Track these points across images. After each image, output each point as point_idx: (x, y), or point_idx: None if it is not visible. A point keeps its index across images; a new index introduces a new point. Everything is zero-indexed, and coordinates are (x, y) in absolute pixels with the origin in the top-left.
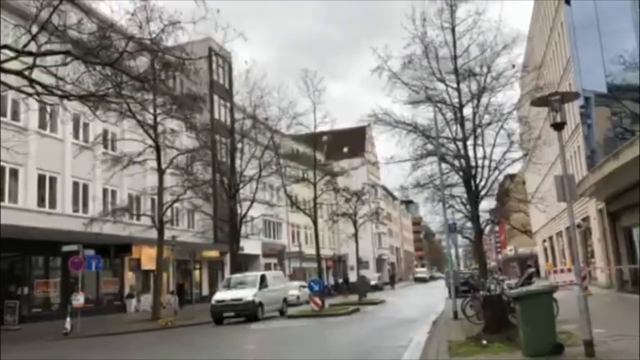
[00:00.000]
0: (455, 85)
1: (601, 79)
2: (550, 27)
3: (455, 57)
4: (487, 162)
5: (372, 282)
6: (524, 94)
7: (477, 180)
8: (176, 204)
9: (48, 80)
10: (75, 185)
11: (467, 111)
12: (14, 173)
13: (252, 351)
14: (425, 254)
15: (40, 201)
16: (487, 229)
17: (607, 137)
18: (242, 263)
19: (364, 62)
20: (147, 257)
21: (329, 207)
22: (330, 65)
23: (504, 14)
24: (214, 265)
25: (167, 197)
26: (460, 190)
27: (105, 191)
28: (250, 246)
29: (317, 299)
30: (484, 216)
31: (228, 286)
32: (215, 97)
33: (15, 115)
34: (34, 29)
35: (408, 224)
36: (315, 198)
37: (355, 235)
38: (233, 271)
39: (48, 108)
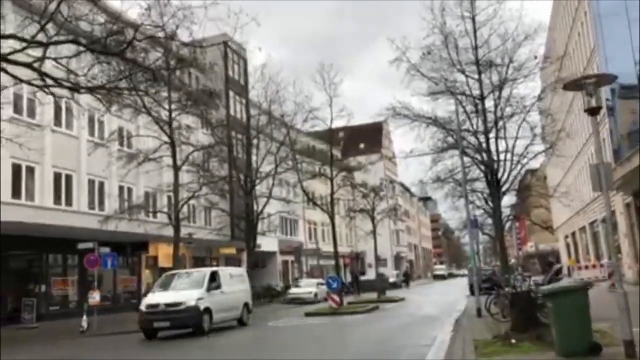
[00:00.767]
0: (476, 77)
1: (629, 69)
2: (572, 16)
3: (476, 47)
4: (509, 156)
5: (391, 280)
6: (546, 85)
7: (499, 174)
8: (192, 201)
9: (60, 75)
10: (91, 182)
11: (489, 103)
12: (31, 171)
13: (271, 350)
14: (443, 251)
15: (57, 199)
16: (507, 225)
17: (632, 130)
18: (259, 260)
19: (374, 58)
20: (164, 255)
21: (346, 203)
22: (341, 61)
23: (525, 3)
24: (231, 262)
25: (184, 194)
26: (481, 186)
27: (121, 189)
28: (267, 243)
29: (335, 297)
30: (504, 212)
31: (164, 286)
32: (231, 94)
33: (31, 112)
34: (44, 22)
35: (426, 221)
36: (332, 193)
37: (374, 232)
38: (251, 268)
39: (63, 104)
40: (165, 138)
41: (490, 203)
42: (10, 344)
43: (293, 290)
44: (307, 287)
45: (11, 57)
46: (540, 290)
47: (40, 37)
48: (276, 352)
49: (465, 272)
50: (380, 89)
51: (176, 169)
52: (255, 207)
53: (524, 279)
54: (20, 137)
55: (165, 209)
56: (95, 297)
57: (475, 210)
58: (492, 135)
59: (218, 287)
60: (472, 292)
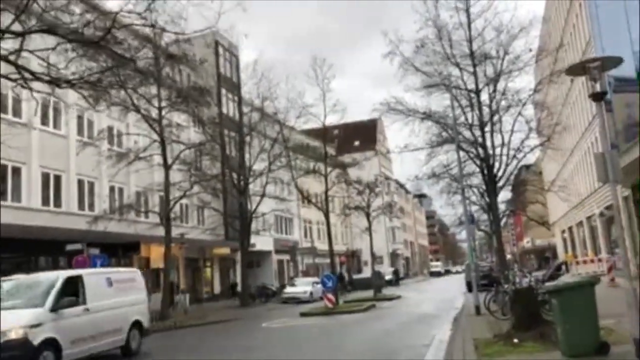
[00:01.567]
0: (471, 70)
1: (626, 61)
2: (567, 8)
3: (470, 40)
4: (505, 150)
5: (387, 277)
6: (542, 78)
7: (495, 169)
8: (185, 201)
9: (41, 70)
10: (80, 183)
11: (484, 97)
12: (17, 171)
13: (263, 352)
14: (439, 248)
15: (45, 200)
16: (503, 221)
17: (627, 124)
18: (254, 260)
19: (365, 57)
20: (157, 256)
21: (341, 200)
22: (331, 61)
23: None
24: (225, 262)
25: (175, 194)
26: (476, 181)
27: (111, 189)
28: (262, 242)
29: (330, 296)
30: (500, 207)
31: None
32: (223, 91)
33: (16, 112)
34: (18, 13)
35: (422, 218)
36: (326, 190)
37: (369, 229)
38: (245, 269)
39: (51, 103)
40: (156, 136)
41: (486, 198)
42: None
43: (288, 289)
44: (303, 286)
45: None
46: (544, 286)
47: (16, 28)
48: (270, 354)
49: (462, 268)
50: (371, 88)
51: (167, 167)
52: (249, 206)
53: (525, 275)
54: (6, 136)
55: (157, 209)
56: None
57: (470, 207)
58: (487, 129)
59: (77, 302)
60: (469, 289)
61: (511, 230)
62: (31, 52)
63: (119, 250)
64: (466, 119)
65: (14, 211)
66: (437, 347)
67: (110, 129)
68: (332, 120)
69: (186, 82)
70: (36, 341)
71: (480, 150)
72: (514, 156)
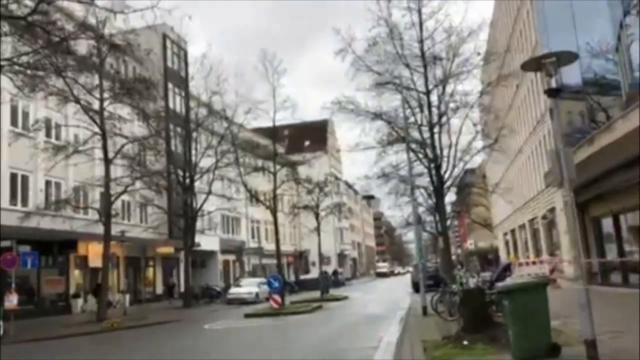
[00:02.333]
0: (421, 71)
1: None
2: (515, 15)
3: (422, 40)
4: (452, 152)
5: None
6: (490, 81)
7: (443, 170)
8: (127, 197)
9: None
10: (13, 176)
11: (433, 98)
12: None
13: (203, 355)
14: (386, 249)
15: None
16: (448, 223)
17: (568, 132)
18: (198, 259)
19: (310, 59)
20: (95, 254)
21: (290, 199)
22: (278, 62)
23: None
24: (168, 262)
25: (117, 190)
26: (424, 183)
27: (48, 183)
28: (208, 242)
29: (277, 297)
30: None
31: None
32: (170, 85)
33: None
34: None
35: (369, 219)
36: (274, 188)
37: (318, 229)
38: (188, 268)
39: None
40: (97, 129)
41: (432, 201)
42: None
43: (233, 290)
44: (248, 287)
45: None
46: (496, 286)
47: None
48: (210, 357)
49: (408, 269)
50: (318, 90)
51: (107, 161)
52: (194, 204)
53: (472, 276)
54: None
55: (97, 205)
56: (12, 300)
57: (417, 208)
58: (436, 130)
59: None
60: (416, 290)
61: (455, 232)
62: None
63: (54, 248)
64: (415, 120)
65: None
66: (385, 349)
67: (47, 120)
68: (282, 116)
69: (131, 74)
70: None
71: (429, 151)
72: (461, 158)
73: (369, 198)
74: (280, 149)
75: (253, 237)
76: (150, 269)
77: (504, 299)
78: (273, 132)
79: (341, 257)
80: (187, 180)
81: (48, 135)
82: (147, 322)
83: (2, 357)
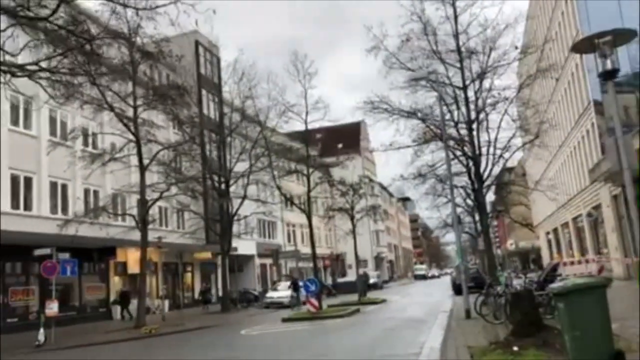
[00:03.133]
0: (457, 65)
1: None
2: (552, 6)
3: (457, 34)
4: (491, 150)
5: (371, 281)
6: (529, 75)
7: (482, 168)
8: (163, 204)
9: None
10: (53, 185)
11: (470, 94)
12: None
13: None
14: (423, 251)
15: (14, 203)
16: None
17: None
18: (235, 264)
19: (340, 63)
20: (134, 260)
21: (324, 202)
22: (309, 63)
23: None
24: (206, 267)
25: (154, 196)
26: (462, 181)
27: (86, 191)
28: (245, 246)
29: (313, 300)
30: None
31: None
32: (203, 92)
33: None
34: None
35: (406, 221)
36: (308, 190)
37: (353, 231)
38: (225, 273)
39: (21, 102)
40: (131, 136)
41: (470, 201)
42: None
43: (270, 294)
44: (285, 290)
45: None
46: (549, 288)
47: None
48: None
49: (446, 271)
50: (348, 95)
51: (142, 168)
52: (230, 209)
53: (518, 277)
54: None
55: (135, 211)
56: (52, 307)
57: (456, 208)
58: (474, 126)
59: None
60: (456, 292)
61: (495, 232)
62: None
63: (94, 255)
64: (452, 117)
65: None
66: (428, 355)
67: (84, 129)
68: (314, 118)
69: (165, 81)
70: None
71: (468, 148)
72: (501, 155)
73: (405, 200)
74: (314, 152)
75: (289, 240)
76: (189, 275)
77: (560, 302)
78: (305, 134)
79: (378, 259)
80: (223, 185)
81: (85, 143)
82: (184, 328)
83: None
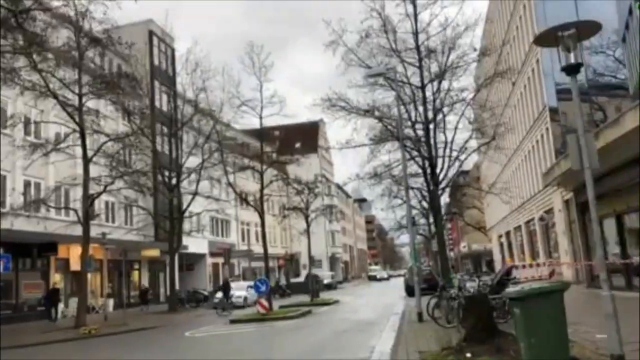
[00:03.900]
0: (416, 64)
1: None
2: (510, 10)
3: (416, 32)
4: (447, 151)
5: (325, 281)
6: (485, 78)
7: (438, 169)
8: (111, 198)
9: None
10: None
11: (427, 94)
12: None
13: None
14: (378, 252)
15: None
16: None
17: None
18: (184, 263)
19: (296, 62)
20: (77, 257)
21: (279, 201)
22: (265, 55)
23: None
24: (154, 265)
25: (99, 190)
26: (417, 183)
27: (27, 183)
28: (196, 245)
29: (263, 301)
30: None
31: None
32: (157, 84)
33: None
34: None
35: (362, 223)
36: (262, 188)
37: (307, 231)
38: (173, 272)
39: None
40: (75, 126)
41: (426, 202)
42: None
43: (221, 294)
44: (237, 290)
45: None
46: (505, 293)
47: None
48: None
49: (400, 272)
50: (304, 96)
51: (86, 160)
52: (181, 206)
53: (472, 279)
54: None
55: (77, 206)
56: None
57: (410, 210)
58: (431, 127)
59: None
60: (408, 293)
61: (449, 235)
62: None
63: (33, 251)
64: (409, 117)
65: None
66: None
67: (26, 117)
68: (269, 112)
69: (115, 71)
70: None
71: (424, 149)
72: (457, 157)
73: (361, 201)
74: (269, 149)
75: (243, 239)
76: (136, 273)
77: (516, 307)
78: (260, 129)
79: (333, 260)
80: (174, 180)
81: (27, 132)
82: (126, 329)
83: None
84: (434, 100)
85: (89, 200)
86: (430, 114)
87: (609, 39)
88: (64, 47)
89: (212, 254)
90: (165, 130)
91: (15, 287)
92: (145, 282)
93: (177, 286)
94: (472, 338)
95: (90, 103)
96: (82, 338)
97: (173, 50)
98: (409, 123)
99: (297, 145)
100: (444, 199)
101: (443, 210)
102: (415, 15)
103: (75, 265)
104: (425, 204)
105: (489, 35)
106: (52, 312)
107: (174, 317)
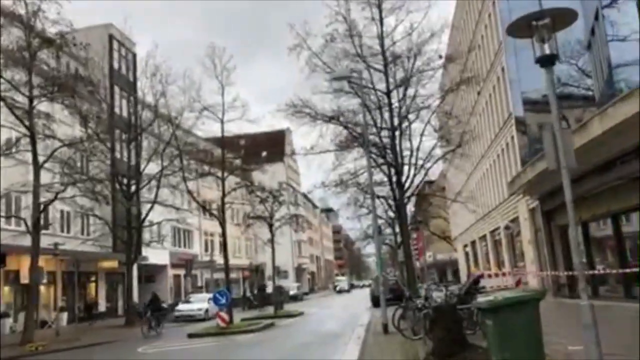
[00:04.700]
0: (382, 70)
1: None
2: (476, 19)
3: (382, 37)
4: (413, 160)
5: (291, 292)
6: (451, 84)
7: (403, 178)
8: (66, 207)
9: None
10: None
11: (393, 100)
12: None
13: None
14: (345, 262)
15: None
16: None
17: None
18: (143, 274)
19: (257, 71)
20: (27, 269)
21: (243, 208)
22: (228, 58)
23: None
24: (112, 277)
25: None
26: (383, 192)
27: None
28: (157, 255)
29: (223, 314)
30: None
31: None
32: (117, 89)
33: None
34: None
35: (328, 233)
36: (223, 195)
37: (272, 241)
38: (131, 283)
39: None
40: (25, 130)
41: (392, 211)
42: None
43: (181, 306)
44: (198, 303)
45: None
46: (476, 303)
47: None
48: None
49: (366, 282)
50: (266, 104)
51: (37, 166)
52: (140, 215)
53: (439, 289)
54: None
55: (27, 215)
56: None
57: (377, 218)
58: (397, 134)
59: None
60: (374, 304)
61: (414, 245)
62: None
63: None
64: (375, 123)
65: None
66: None
67: None
68: (231, 117)
69: (72, 74)
70: None
71: (390, 156)
72: (422, 165)
73: (328, 211)
74: (230, 155)
75: (207, 250)
76: (93, 285)
77: (488, 318)
78: (222, 133)
79: (299, 270)
80: (133, 188)
81: None
82: (77, 345)
83: None
84: (400, 107)
85: (39, 208)
86: (396, 121)
87: (572, 49)
88: (12, 46)
89: (174, 265)
90: (125, 136)
91: None
92: (102, 295)
93: (136, 299)
94: (440, 351)
95: (42, 106)
96: (28, 355)
97: (134, 55)
98: (375, 130)
99: (264, 154)
100: (410, 208)
101: (409, 220)
102: (381, 19)
103: (25, 278)
104: (391, 213)
105: (454, 42)
106: None
107: (130, 332)
